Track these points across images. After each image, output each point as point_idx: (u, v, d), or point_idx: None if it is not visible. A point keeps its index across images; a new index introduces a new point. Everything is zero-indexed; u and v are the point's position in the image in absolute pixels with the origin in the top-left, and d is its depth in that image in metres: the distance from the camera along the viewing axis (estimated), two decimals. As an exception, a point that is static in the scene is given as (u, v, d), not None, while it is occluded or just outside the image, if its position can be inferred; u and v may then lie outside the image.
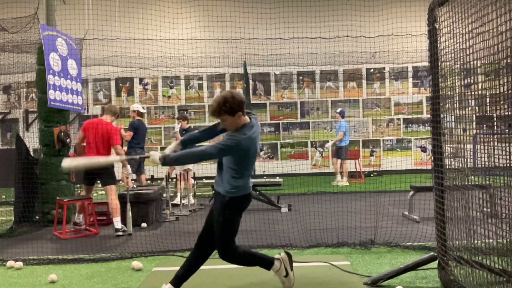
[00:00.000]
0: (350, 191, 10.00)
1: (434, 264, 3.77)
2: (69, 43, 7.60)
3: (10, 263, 4.80)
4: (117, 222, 6.19)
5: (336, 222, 6.27)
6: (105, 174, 6.38)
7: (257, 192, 7.94)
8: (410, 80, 14.08)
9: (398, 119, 14.09)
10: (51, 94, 6.93)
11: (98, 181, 6.55)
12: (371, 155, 14.01)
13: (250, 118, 3.38)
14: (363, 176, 11.90)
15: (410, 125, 14.04)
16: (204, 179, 9.98)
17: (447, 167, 3.60)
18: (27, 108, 13.94)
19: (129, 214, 6.31)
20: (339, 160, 11.33)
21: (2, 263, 4.88)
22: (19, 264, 4.76)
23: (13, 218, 6.83)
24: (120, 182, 8.15)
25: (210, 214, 3.58)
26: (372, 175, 12.93)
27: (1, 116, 14.16)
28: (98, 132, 6.35)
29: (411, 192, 6.93)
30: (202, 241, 3.51)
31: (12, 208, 6.92)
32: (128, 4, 12.80)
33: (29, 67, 9.61)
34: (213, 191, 3.62)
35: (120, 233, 6.13)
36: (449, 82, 3.60)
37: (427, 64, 3.69)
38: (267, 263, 3.60)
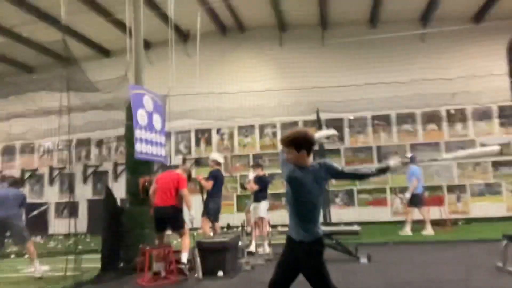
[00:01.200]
0: (436, 240, 9.34)
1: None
2: (154, 100, 8.24)
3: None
4: (184, 256, 6.58)
5: (422, 275, 5.87)
6: (173, 222, 6.79)
7: (334, 241, 7.70)
8: (496, 120, 13.18)
9: (486, 162, 13.13)
10: (138, 147, 7.47)
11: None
12: (458, 201, 13.08)
13: (315, 165, 3.46)
14: (450, 224, 11.07)
15: (500, 168, 13.00)
16: (279, 227, 9.93)
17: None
18: (116, 160, 15.09)
19: (197, 259, 6.60)
20: (414, 209, 10.61)
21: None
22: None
23: (100, 266, 7.24)
24: (198, 230, 8.41)
25: (286, 263, 3.54)
26: (460, 223, 11.98)
27: (93, 169, 15.43)
28: (167, 179, 6.86)
29: (505, 242, 6.32)
30: None
31: (99, 256, 7.34)
32: (208, 61, 13.68)
33: (119, 123, 10.50)
34: (288, 239, 3.59)
35: (182, 266, 6.48)
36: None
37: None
38: None
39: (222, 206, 8.97)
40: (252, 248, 8.52)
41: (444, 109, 13.27)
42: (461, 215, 12.71)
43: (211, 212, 8.37)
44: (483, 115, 13.22)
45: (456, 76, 11.06)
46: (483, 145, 13.11)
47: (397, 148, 13.57)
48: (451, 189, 13.09)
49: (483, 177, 13.05)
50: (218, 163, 8.95)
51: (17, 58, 15.22)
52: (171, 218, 6.77)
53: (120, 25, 13.39)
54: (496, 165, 13.00)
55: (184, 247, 6.72)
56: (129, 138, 7.79)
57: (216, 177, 8.64)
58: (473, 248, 7.50)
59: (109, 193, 7.59)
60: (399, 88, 11.68)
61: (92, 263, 7.17)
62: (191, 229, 7.54)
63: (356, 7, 12.60)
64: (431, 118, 13.47)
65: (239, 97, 13.00)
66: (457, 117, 13.40)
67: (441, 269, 6.06)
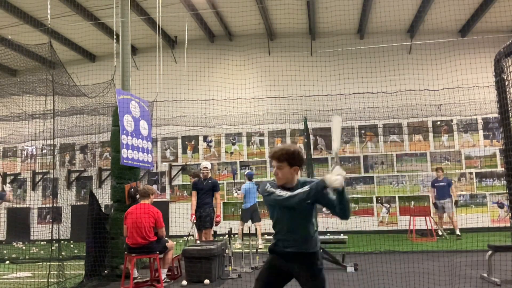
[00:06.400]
0: (422, 250, 9.39)
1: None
2: (141, 105, 8.16)
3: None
4: (163, 273, 6.62)
5: (408, 284, 5.88)
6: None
7: (321, 250, 7.65)
8: (481, 132, 13.41)
9: (471, 173, 13.30)
10: (124, 152, 7.37)
11: None
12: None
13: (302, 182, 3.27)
14: (435, 234, 11.14)
15: (484, 179, 13.17)
16: (265, 235, 9.89)
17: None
18: (101, 166, 14.88)
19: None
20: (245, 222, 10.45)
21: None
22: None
23: (83, 272, 7.09)
24: (190, 237, 8.34)
25: (271, 276, 3.39)
26: (445, 233, 12.04)
27: (77, 174, 15.18)
28: (141, 217, 6.39)
29: (489, 252, 6.37)
30: None
31: (83, 262, 7.20)
32: (195, 68, 13.65)
33: (105, 128, 10.37)
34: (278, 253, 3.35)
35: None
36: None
37: (497, 115, 3.53)
38: None
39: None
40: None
41: (430, 120, 13.45)
42: (446, 225, 12.81)
43: (207, 218, 8.34)
44: (468, 126, 13.44)
45: (442, 88, 11.21)
46: (467, 157, 13.31)
47: (384, 158, 13.70)
48: (436, 199, 13.20)
49: (467, 189, 13.22)
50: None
51: (1, 61, 14.94)
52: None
53: (106, 29, 13.29)
54: (480, 176, 13.18)
55: (164, 263, 6.64)
56: (115, 144, 7.68)
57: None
58: (459, 258, 7.54)
59: (92, 199, 7.46)
60: (386, 99, 11.78)
61: (76, 269, 7.02)
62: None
63: (344, 18, 12.72)
64: (417, 129, 13.63)
65: (226, 104, 12.97)
66: (442, 128, 13.60)
67: (427, 279, 6.07)
